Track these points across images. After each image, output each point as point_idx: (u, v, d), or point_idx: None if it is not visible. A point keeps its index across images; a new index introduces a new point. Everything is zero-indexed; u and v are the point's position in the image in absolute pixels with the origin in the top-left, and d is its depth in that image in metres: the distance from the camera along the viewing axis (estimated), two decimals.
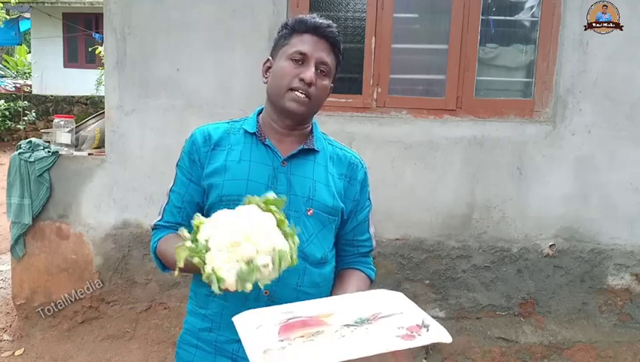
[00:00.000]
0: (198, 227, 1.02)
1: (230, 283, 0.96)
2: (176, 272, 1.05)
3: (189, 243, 1.00)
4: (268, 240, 0.99)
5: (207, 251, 0.98)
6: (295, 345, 0.93)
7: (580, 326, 3.09)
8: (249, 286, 0.96)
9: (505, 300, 3.10)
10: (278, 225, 1.03)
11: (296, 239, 1.03)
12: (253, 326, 1.02)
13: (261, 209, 1.04)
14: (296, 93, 1.23)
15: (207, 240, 0.99)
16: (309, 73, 1.23)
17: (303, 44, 1.25)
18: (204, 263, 0.97)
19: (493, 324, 3.10)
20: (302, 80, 1.23)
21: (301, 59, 1.24)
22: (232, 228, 0.99)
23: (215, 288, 0.96)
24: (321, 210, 1.27)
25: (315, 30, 1.25)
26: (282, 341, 0.95)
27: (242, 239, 0.97)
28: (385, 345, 0.91)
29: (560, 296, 3.10)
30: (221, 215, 1.04)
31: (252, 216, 1.02)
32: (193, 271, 1.06)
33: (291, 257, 1.00)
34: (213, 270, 0.96)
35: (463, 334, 3.07)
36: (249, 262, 0.97)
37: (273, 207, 1.05)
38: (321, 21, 1.27)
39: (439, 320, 1.03)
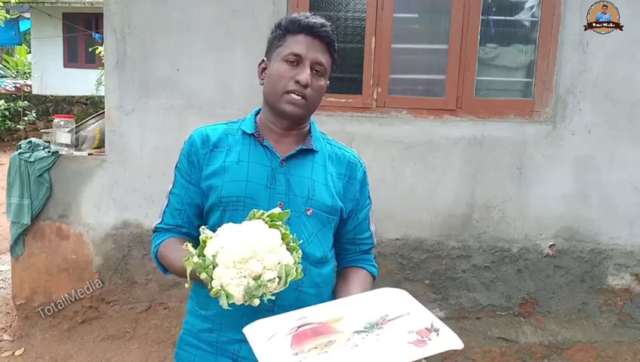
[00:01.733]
0: (204, 242, 1.03)
1: (238, 298, 0.98)
2: (187, 285, 1.07)
3: (196, 259, 1.01)
4: (274, 256, 1.01)
5: (214, 267, 0.99)
6: (310, 358, 0.93)
7: (579, 326, 3.09)
8: (256, 302, 0.98)
9: (505, 300, 3.10)
10: (282, 239, 1.05)
11: (300, 252, 1.05)
12: (265, 338, 1.02)
13: (266, 223, 1.06)
14: (292, 95, 1.23)
15: (214, 256, 1.00)
16: (305, 75, 1.22)
17: (297, 45, 1.23)
18: (212, 279, 0.99)
19: (493, 324, 3.10)
20: (298, 82, 1.22)
21: (296, 61, 1.23)
22: (239, 245, 1.00)
23: (224, 304, 0.97)
24: (321, 209, 1.28)
25: (309, 30, 1.24)
26: (297, 354, 0.95)
27: (250, 255, 0.99)
28: (399, 355, 0.92)
29: (560, 296, 3.10)
30: (227, 230, 1.05)
31: (258, 232, 1.03)
32: (197, 279, 1.08)
33: (297, 271, 1.02)
34: (222, 286, 0.97)
35: (463, 334, 3.07)
36: (256, 278, 0.98)
37: (278, 222, 1.07)
38: (314, 20, 1.24)
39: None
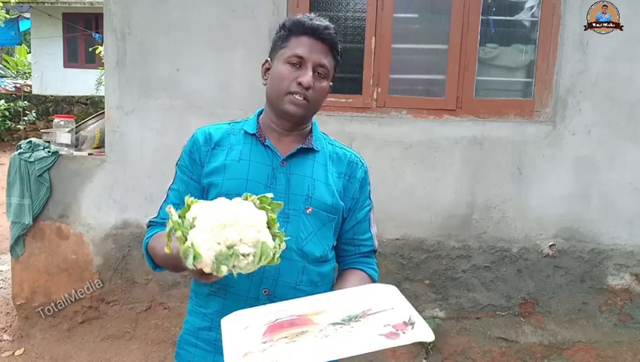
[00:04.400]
0: (189, 206, 1.01)
1: (206, 262, 0.94)
2: (167, 249, 1.02)
3: (175, 218, 0.98)
4: (254, 232, 0.98)
5: (191, 228, 0.97)
6: (276, 347, 0.93)
7: (580, 326, 3.09)
8: (224, 270, 0.95)
9: (505, 300, 3.10)
10: (268, 224, 1.03)
11: (284, 244, 1.03)
12: (240, 329, 1.02)
13: (256, 206, 1.04)
14: (294, 96, 1.24)
15: (194, 218, 0.98)
16: (307, 77, 1.23)
17: (301, 47, 1.24)
18: (185, 239, 0.96)
19: (493, 324, 3.10)
20: (300, 84, 1.23)
21: (299, 63, 1.24)
22: (221, 212, 0.98)
23: (189, 263, 0.94)
24: (320, 208, 1.28)
25: (313, 32, 1.24)
26: (265, 342, 0.95)
27: (229, 223, 0.96)
28: (366, 344, 0.90)
29: (560, 296, 3.10)
30: (216, 201, 1.03)
31: (245, 207, 1.02)
32: (176, 262, 1.04)
33: (274, 255, 0.99)
34: (192, 245, 0.95)
35: (463, 334, 3.07)
36: (230, 247, 0.95)
37: (268, 206, 1.05)
38: (318, 23, 1.25)
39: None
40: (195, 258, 0.94)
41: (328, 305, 1.08)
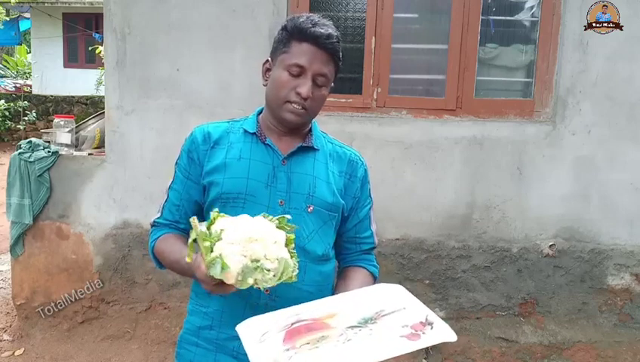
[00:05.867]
0: (214, 218, 1.04)
1: (232, 274, 0.97)
2: (188, 258, 1.05)
3: (202, 228, 1.01)
4: (277, 249, 1.02)
5: (218, 240, 1.00)
6: (301, 354, 0.93)
7: (580, 326, 3.09)
8: (250, 282, 0.97)
9: (505, 300, 3.10)
10: (286, 244, 1.06)
11: (297, 263, 1.06)
12: (258, 335, 1.02)
13: (276, 226, 1.07)
14: (293, 105, 1.24)
15: (221, 230, 1.01)
16: (306, 88, 1.22)
17: (302, 55, 1.22)
18: (212, 251, 0.99)
19: (493, 324, 3.10)
20: (298, 94, 1.22)
21: (299, 72, 1.23)
22: (247, 227, 1.01)
23: (216, 273, 0.96)
24: (322, 206, 1.28)
25: (315, 41, 1.22)
26: (288, 350, 0.95)
27: (256, 238, 1.00)
28: (391, 348, 0.91)
29: (560, 296, 3.10)
30: (239, 216, 1.06)
31: (268, 225, 1.05)
32: (185, 270, 1.08)
33: (292, 273, 1.03)
34: (221, 255, 0.97)
35: (463, 334, 3.07)
36: (255, 261, 0.98)
37: (286, 227, 1.08)
38: (321, 31, 1.22)
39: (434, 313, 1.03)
40: (222, 268, 0.96)
41: (340, 308, 1.08)
